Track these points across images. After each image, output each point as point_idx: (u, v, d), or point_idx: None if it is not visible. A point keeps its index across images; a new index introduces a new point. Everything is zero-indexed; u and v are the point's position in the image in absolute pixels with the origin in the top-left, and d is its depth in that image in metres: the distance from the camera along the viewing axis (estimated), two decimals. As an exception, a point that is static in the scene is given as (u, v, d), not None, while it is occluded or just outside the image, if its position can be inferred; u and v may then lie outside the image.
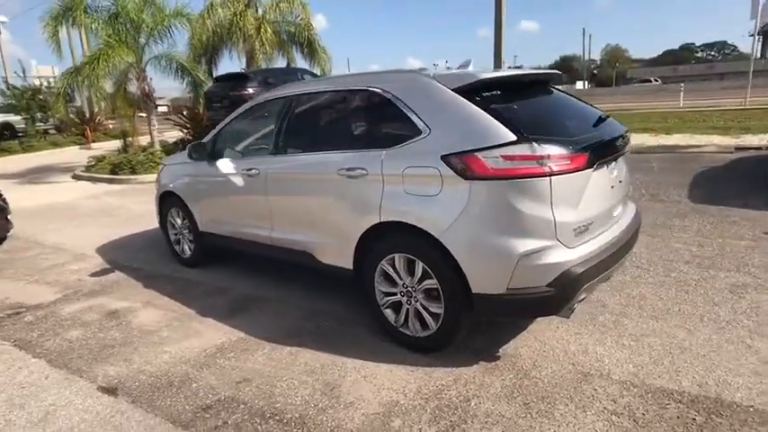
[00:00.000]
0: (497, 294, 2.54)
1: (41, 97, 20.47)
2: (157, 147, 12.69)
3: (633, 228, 3.14)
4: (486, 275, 2.58)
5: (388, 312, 3.06)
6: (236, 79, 11.39)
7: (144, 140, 14.55)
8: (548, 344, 2.99)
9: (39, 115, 20.92)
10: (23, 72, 22.37)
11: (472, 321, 2.84)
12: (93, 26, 11.18)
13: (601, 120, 3.08)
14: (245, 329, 3.43)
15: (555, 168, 2.44)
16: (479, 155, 2.50)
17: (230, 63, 16.05)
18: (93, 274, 4.88)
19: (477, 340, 3.04)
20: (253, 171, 3.81)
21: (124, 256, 5.41)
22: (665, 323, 3.14)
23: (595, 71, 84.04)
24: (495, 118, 2.56)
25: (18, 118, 21.13)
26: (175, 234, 4.98)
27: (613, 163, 2.92)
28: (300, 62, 16.15)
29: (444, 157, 2.61)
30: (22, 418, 2.56)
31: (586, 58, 71.45)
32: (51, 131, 23.21)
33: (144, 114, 14.72)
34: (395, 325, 3.03)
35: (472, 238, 2.57)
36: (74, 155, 17.42)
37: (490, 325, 3.18)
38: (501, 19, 12.08)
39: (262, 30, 13.59)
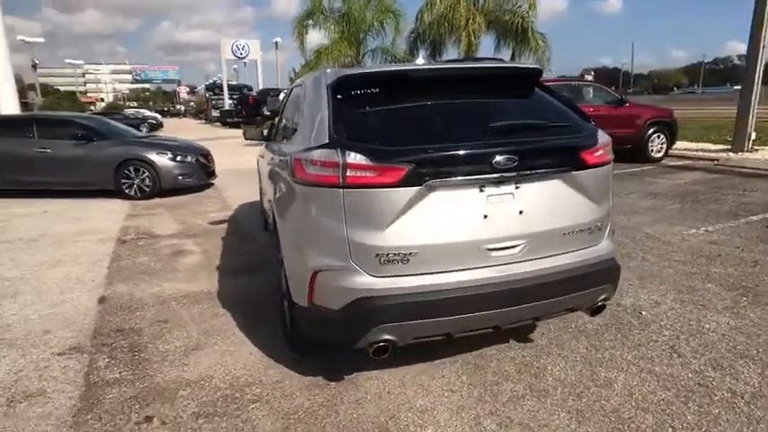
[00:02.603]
0: (303, 306, 2.36)
1: None
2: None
3: (556, 279, 2.30)
4: (293, 284, 2.43)
5: (285, 303, 3.11)
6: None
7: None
8: (406, 387, 2.54)
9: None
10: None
11: None
12: (326, 25, 13.38)
13: (529, 129, 2.33)
14: (221, 288, 3.98)
15: (351, 180, 2.08)
16: (301, 156, 2.34)
17: (451, 54, 16.52)
18: (210, 222, 6.27)
19: (357, 358, 2.78)
20: (271, 155, 4.27)
21: (244, 213, 6.70)
22: (582, 425, 2.22)
23: None
24: (334, 119, 2.31)
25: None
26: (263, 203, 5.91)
27: (507, 186, 2.21)
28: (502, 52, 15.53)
29: (291, 156, 2.52)
30: (48, 300, 3.76)
31: None
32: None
33: None
34: (282, 316, 3.08)
35: (288, 243, 2.45)
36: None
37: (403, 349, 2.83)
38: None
39: (470, 21, 13.59)
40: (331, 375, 2.65)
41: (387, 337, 2.16)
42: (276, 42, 39.79)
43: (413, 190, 2.08)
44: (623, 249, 4.60)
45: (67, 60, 63.63)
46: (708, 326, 3.10)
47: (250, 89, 36.26)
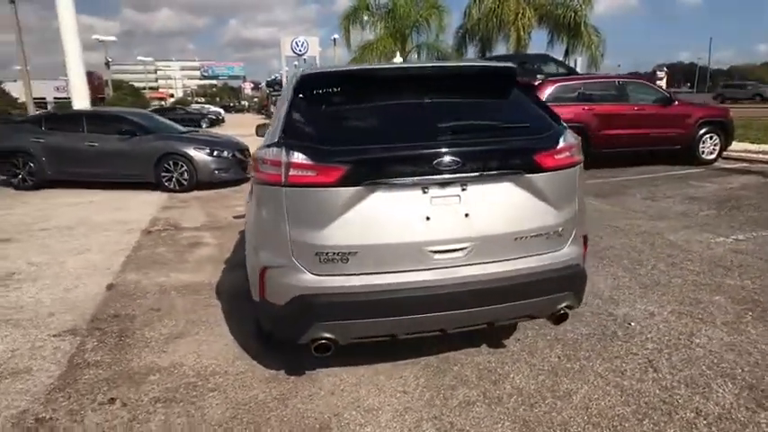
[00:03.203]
0: (257, 301, 2.44)
1: None
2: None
3: (507, 284, 2.24)
4: (250, 279, 2.52)
5: None
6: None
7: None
8: (361, 385, 2.57)
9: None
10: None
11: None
12: (372, 21, 13.50)
13: (480, 130, 2.28)
14: (222, 280, 4.16)
15: (292, 179, 2.13)
16: (256, 154, 2.42)
17: (500, 50, 16.14)
18: (235, 216, 6.52)
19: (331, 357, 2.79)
20: None
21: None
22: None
23: None
24: (290, 118, 2.37)
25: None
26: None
27: (452, 188, 2.17)
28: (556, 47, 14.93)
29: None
30: (63, 285, 4.09)
31: None
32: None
33: None
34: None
35: (248, 239, 2.54)
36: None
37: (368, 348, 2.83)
38: None
39: (519, 15, 13.21)
40: (293, 370, 2.72)
41: (326, 334, 2.20)
42: (335, 39, 40.42)
43: (351, 190, 2.10)
44: (636, 256, 4.36)
45: (139, 57, 68.03)
46: (698, 341, 2.88)
47: (307, 85, 37.12)
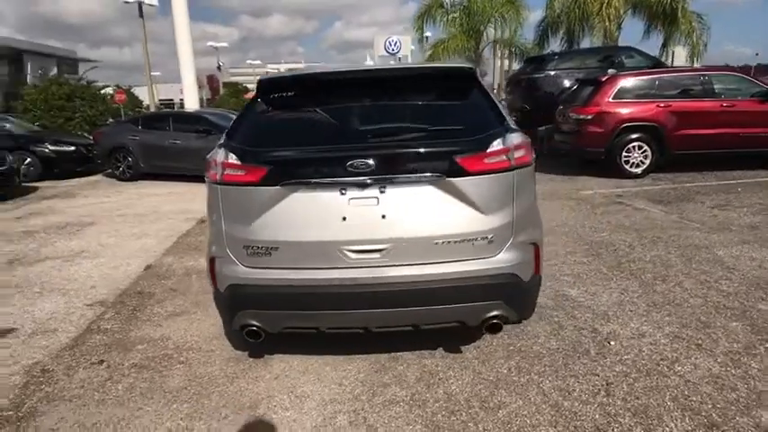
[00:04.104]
0: (213, 289, 2.71)
1: None
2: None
3: (427, 288, 2.26)
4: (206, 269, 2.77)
5: None
6: (536, 62, 11.16)
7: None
8: (306, 374, 2.72)
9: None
10: None
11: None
12: (445, 19, 13.42)
13: (404, 132, 2.31)
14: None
15: (225, 177, 2.36)
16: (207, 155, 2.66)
17: (585, 43, 15.11)
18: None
19: (287, 341, 3.03)
20: None
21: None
22: (428, 438, 2.17)
23: None
24: (239, 120, 2.60)
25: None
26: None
27: (371, 189, 2.24)
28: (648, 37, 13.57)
29: None
30: (113, 264, 4.76)
31: None
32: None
33: None
34: None
35: None
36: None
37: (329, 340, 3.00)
38: None
39: (604, 6, 12.25)
40: (255, 352, 2.95)
41: (252, 322, 2.39)
42: (426, 37, 40.84)
43: (272, 189, 2.26)
44: (662, 271, 3.96)
45: (248, 61, 74.10)
46: (680, 369, 2.60)
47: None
